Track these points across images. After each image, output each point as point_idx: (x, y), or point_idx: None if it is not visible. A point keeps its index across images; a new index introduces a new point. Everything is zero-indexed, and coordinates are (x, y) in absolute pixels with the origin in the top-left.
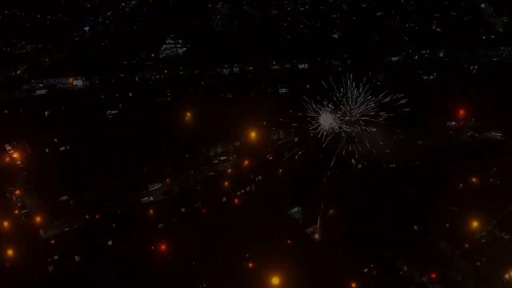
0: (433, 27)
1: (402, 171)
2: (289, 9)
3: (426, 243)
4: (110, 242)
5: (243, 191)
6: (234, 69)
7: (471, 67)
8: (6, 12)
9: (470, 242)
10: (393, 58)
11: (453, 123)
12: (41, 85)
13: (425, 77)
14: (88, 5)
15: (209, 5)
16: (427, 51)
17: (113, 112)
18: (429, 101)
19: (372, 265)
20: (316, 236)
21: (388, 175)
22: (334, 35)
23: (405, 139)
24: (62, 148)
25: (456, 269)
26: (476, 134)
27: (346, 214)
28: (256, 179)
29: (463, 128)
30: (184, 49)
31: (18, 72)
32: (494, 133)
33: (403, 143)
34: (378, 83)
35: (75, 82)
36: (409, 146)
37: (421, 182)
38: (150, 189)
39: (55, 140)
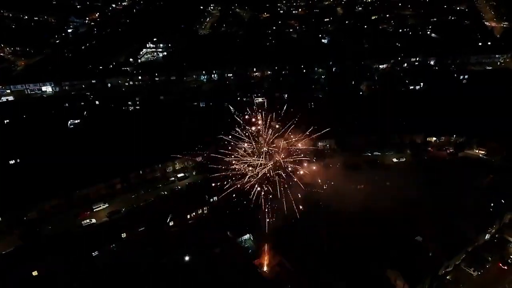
0: (428, 32)
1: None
2: (281, 12)
3: (382, 277)
4: (35, 273)
5: (193, 214)
6: (213, 75)
7: (461, 77)
8: None
9: (433, 279)
10: (380, 66)
11: (434, 138)
12: (8, 91)
13: (411, 87)
14: (78, 6)
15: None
16: (417, 58)
17: (76, 121)
18: (411, 113)
19: None
20: (265, 268)
21: (354, 197)
22: (323, 40)
23: (378, 157)
24: (12, 162)
25: None
26: (456, 152)
27: (302, 243)
28: (211, 200)
29: (444, 144)
30: (165, 53)
31: None
32: (477, 151)
33: (375, 162)
34: (361, 92)
35: (44, 88)
36: (380, 165)
37: (387, 206)
38: (94, 210)
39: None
